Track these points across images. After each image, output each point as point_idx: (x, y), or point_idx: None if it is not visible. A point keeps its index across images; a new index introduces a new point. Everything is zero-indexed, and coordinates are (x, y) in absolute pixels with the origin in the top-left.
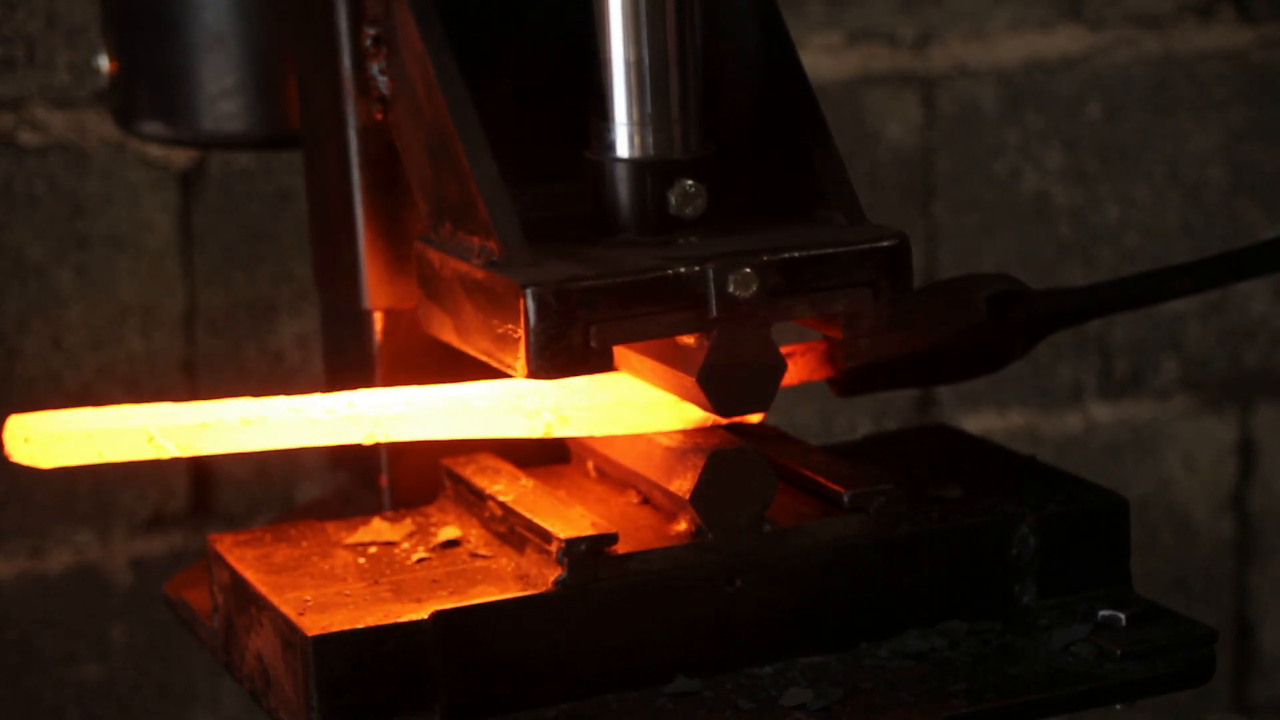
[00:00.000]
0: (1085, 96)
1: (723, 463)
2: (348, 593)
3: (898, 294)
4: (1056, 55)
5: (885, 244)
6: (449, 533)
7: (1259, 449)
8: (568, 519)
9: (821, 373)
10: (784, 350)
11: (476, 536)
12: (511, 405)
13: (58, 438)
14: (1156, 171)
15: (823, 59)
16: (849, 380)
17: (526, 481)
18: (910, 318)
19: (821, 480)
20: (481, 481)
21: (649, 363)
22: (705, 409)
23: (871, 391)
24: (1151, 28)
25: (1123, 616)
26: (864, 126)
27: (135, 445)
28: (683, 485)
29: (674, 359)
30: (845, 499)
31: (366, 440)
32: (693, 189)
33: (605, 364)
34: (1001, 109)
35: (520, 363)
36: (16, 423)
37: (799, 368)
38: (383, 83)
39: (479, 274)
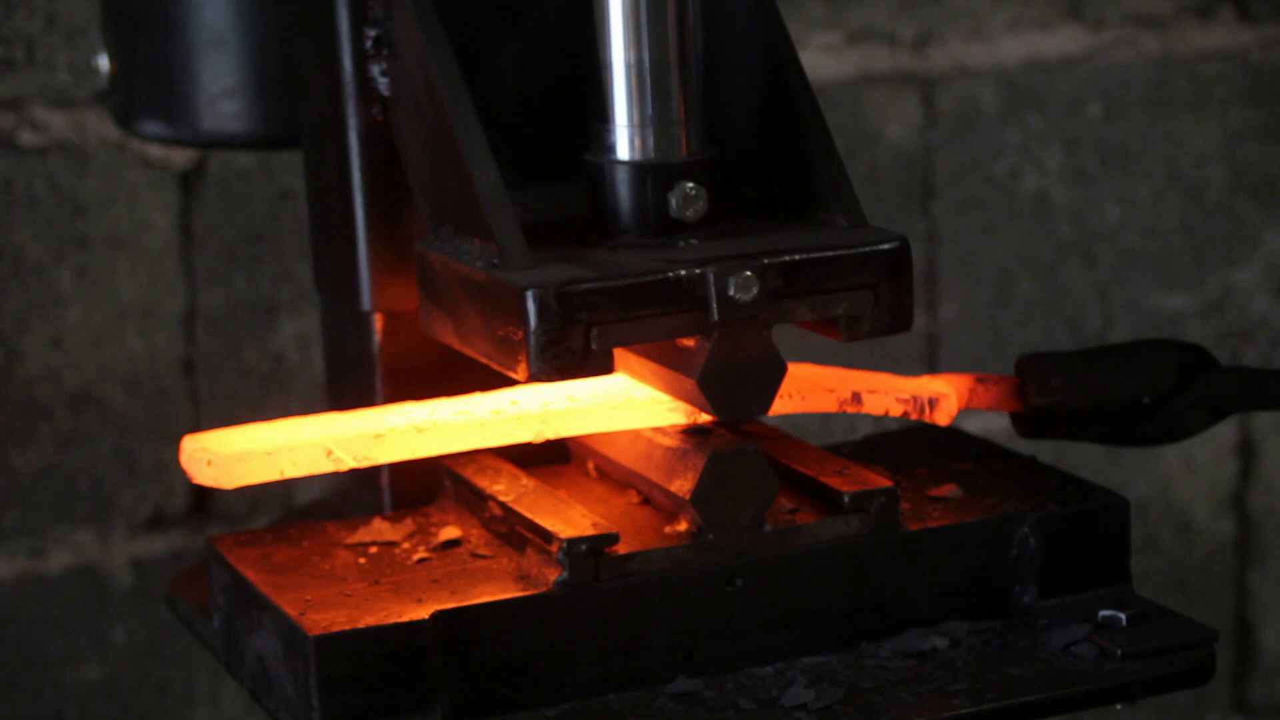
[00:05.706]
0: (1085, 96)
1: (723, 463)
2: (348, 593)
3: (898, 297)
4: (1056, 55)
5: (886, 247)
6: (449, 533)
7: (1259, 449)
8: (568, 519)
9: (1008, 405)
10: (976, 377)
11: (477, 536)
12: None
13: (240, 458)
14: (1156, 171)
15: (823, 59)
16: (1035, 417)
17: (527, 481)
18: (1103, 368)
19: (821, 480)
20: (482, 481)
21: (649, 365)
22: (706, 411)
23: (1053, 437)
24: (1151, 28)
25: (1123, 616)
26: (864, 126)
27: (314, 460)
28: (683, 485)
29: (675, 362)
30: (845, 499)
31: (536, 438)
32: (694, 191)
33: (606, 366)
34: (1001, 109)
35: (521, 365)
36: (195, 444)
37: (988, 395)
38: (383, 84)
39: (480, 276)
